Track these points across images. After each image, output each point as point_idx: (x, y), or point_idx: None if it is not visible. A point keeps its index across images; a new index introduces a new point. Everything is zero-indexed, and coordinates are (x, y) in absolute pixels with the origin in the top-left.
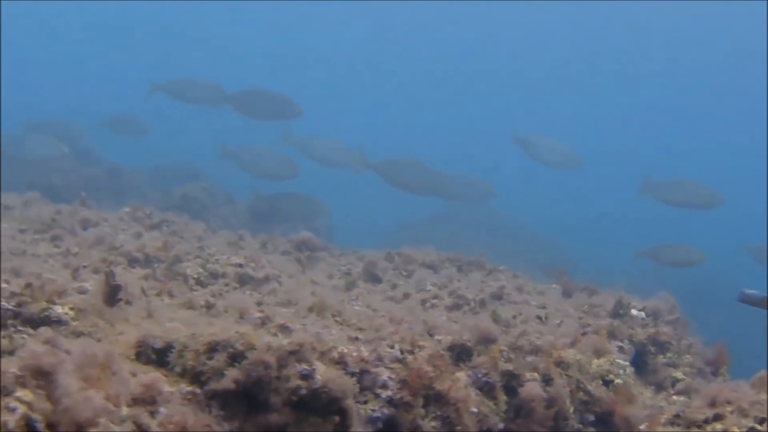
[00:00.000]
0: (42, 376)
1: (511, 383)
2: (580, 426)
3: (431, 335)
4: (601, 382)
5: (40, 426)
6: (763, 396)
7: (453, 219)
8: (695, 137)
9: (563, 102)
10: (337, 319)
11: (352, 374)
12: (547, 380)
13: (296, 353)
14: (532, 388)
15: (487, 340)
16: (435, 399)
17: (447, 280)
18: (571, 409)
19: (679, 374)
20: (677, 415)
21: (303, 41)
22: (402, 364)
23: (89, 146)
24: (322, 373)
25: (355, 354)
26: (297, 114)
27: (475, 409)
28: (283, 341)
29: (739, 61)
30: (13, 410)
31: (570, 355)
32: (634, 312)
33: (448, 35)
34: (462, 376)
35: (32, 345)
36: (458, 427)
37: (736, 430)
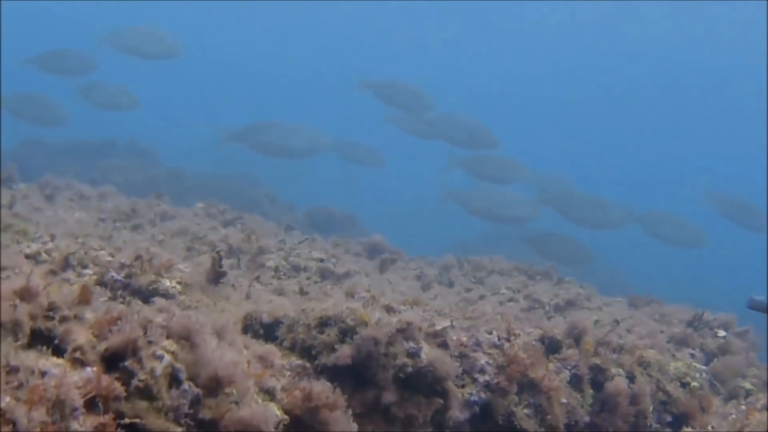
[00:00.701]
0: (184, 333)
1: (598, 377)
2: (658, 426)
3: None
4: (678, 384)
5: (183, 375)
6: None
7: (506, 237)
8: (695, 137)
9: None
10: (428, 308)
11: (453, 357)
12: (630, 377)
13: (404, 331)
14: (618, 383)
15: (576, 334)
16: (529, 387)
17: (521, 285)
18: (651, 408)
19: (747, 385)
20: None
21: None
22: (499, 350)
23: (150, 147)
24: (428, 352)
25: (455, 338)
26: None
27: (564, 400)
28: (392, 319)
29: (739, 61)
30: (160, 358)
31: (651, 354)
32: (721, 333)
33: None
34: (552, 368)
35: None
36: (548, 417)
37: None
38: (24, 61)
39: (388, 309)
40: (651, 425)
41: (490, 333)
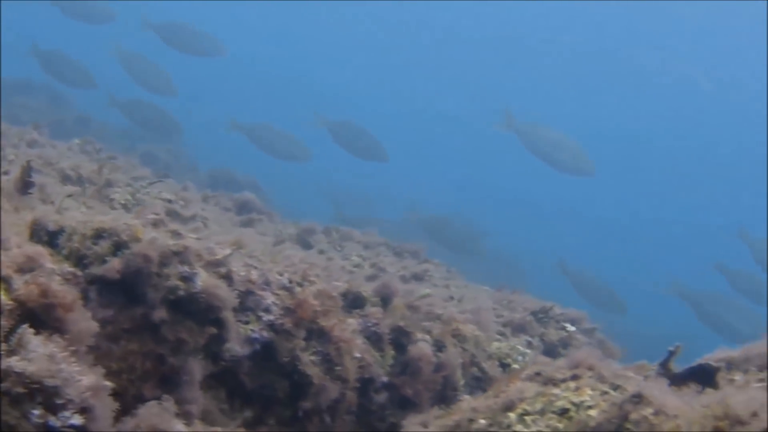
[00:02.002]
0: None
1: (401, 339)
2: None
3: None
4: (498, 363)
5: None
6: (630, 373)
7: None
8: (695, 137)
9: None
10: (243, 251)
11: (238, 292)
12: (439, 346)
13: (180, 255)
14: (422, 347)
15: (386, 295)
16: (318, 334)
17: (374, 255)
18: (462, 381)
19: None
20: (538, 373)
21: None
22: (289, 293)
23: (65, 92)
24: (204, 279)
25: (243, 274)
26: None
27: (358, 355)
28: (169, 240)
29: (739, 61)
30: None
31: (469, 329)
32: (569, 327)
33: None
34: (353, 322)
35: None
36: (338, 367)
37: (589, 391)
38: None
39: (174, 234)
40: (461, 398)
41: (282, 275)
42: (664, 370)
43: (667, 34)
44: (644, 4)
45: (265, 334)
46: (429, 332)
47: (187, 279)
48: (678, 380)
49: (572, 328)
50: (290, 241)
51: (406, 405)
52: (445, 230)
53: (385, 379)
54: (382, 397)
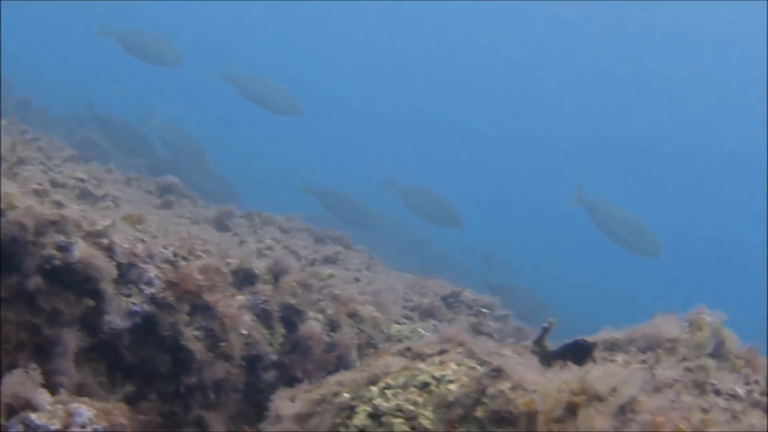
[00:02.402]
0: None
1: (292, 318)
2: None
3: (224, 257)
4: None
5: None
6: (507, 351)
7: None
8: (695, 138)
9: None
10: (138, 227)
11: (119, 264)
12: (334, 326)
13: (57, 224)
14: (312, 326)
15: (278, 272)
16: (202, 309)
17: (288, 238)
18: (358, 363)
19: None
20: (408, 348)
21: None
22: (172, 266)
23: (8, 77)
24: (82, 250)
25: (126, 246)
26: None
27: (244, 331)
28: (47, 210)
29: (739, 61)
30: None
31: (367, 310)
32: (466, 300)
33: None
34: (242, 298)
35: None
36: (222, 344)
37: (453, 366)
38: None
39: (57, 204)
40: None
41: (166, 248)
42: (539, 347)
43: (666, 34)
44: (644, 4)
45: (146, 307)
46: (323, 311)
47: (63, 248)
48: (554, 357)
49: (486, 311)
50: (207, 223)
51: (296, 384)
52: (338, 202)
53: (274, 357)
54: (270, 376)
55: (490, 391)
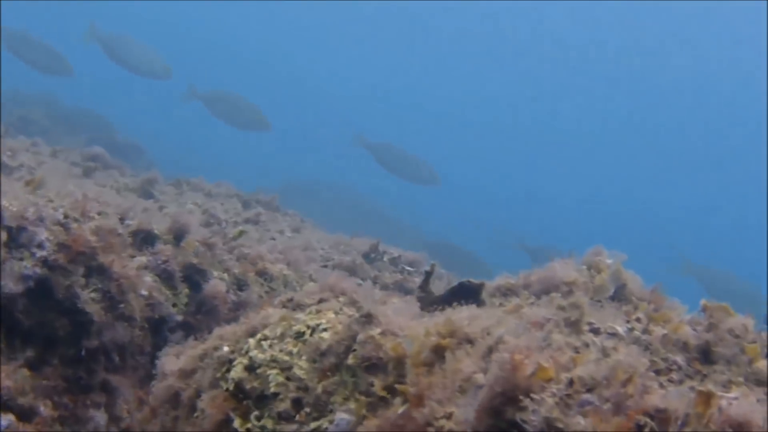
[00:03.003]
0: None
1: (195, 278)
2: None
3: (123, 219)
4: None
5: None
6: (394, 299)
7: (309, 190)
8: (693, 139)
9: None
10: (48, 193)
11: (8, 228)
12: (241, 285)
13: None
14: (216, 285)
15: (178, 231)
16: (98, 271)
17: (211, 203)
18: None
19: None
20: (290, 299)
21: None
22: (64, 228)
23: None
24: None
25: (15, 209)
26: None
27: (144, 292)
28: None
29: (739, 61)
30: None
31: (277, 268)
32: (387, 258)
33: None
34: (143, 260)
35: None
36: (121, 305)
37: (330, 314)
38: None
39: None
40: None
41: (56, 210)
42: (425, 292)
43: (666, 34)
44: (644, 4)
45: (38, 270)
46: (228, 270)
47: None
48: (441, 301)
49: (411, 269)
50: (130, 191)
51: None
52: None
53: (179, 318)
54: (177, 337)
55: (361, 337)
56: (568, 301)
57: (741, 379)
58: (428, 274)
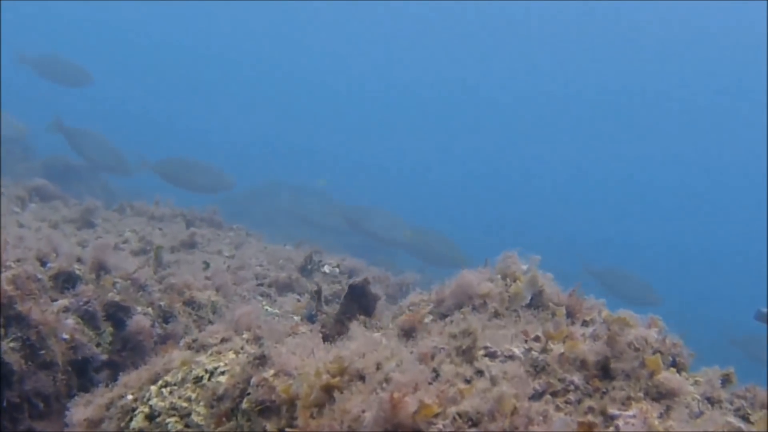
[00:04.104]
0: None
1: (119, 315)
2: None
3: (44, 263)
4: None
5: None
6: (302, 328)
7: (272, 194)
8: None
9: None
10: None
11: None
12: (167, 317)
13: None
14: (139, 321)
15: (101, 269)
16: (16, 320)
17: (150, 227)
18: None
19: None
20: (195, 339)
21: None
22: None
23: None
24: None
25: None
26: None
27: (66, 336)
28: None
29: (739, 62)
30: None
31: (205, 296)
32: (326, 269)
33: None
34: (65, 302)
35: None
36: (42, 351)
37: (231, 355)
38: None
39: None
40: None
41: None
42: (318, 310)
43: (666, 34)
44: (644, 4)
45: None
46: (152, 304)
47: None
48: (341, 317)
49: (335, 269)
50: (71, 222)
51: None
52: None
53: (104, 357)
54: (103, 376)
55: (254, 380)
56: (459, 328)
57: (641, 394)
58: (318, 294)
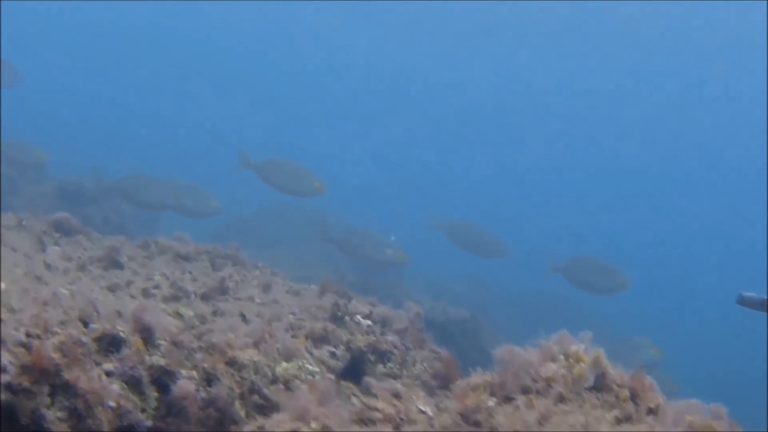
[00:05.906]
0: None
1: (164, 379)
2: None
3: (86, 323)
4: (283, 386)
5: None
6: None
7: (282, 214)
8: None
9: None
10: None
11: None
12: (210, 380)
13: None
14: (183, 385)
15: (145, 331)
16: (63, 389)
17: (180, 270)
18: (243, 412)
19: (398, 385)
20: (261, 427)
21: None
22: (26, 349)
23: None
24: None
25: None
26: None
27: (112, 404)
28: None
29: (739, 62)
30: None
31: (247, 355)
32: (358, 318)
33: None
34: (109, 367)
35: None
36: (89, 420)
37: None
38: None
39: None
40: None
41: (17, 330)
42: None
43: (666, 34)
44: (644, 4)
45: (3, 396)
46: (196, 367)
47: None
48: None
49: (367, 321)
50: (98, 262)
51: None
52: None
53: (148, 423)
54: None
55: None
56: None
57: None
58: None
